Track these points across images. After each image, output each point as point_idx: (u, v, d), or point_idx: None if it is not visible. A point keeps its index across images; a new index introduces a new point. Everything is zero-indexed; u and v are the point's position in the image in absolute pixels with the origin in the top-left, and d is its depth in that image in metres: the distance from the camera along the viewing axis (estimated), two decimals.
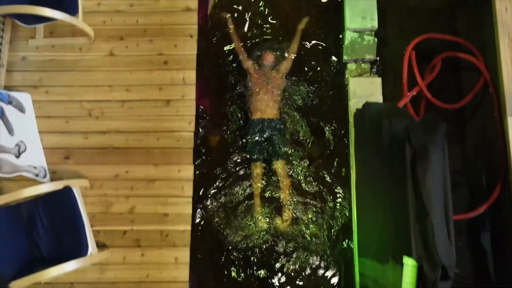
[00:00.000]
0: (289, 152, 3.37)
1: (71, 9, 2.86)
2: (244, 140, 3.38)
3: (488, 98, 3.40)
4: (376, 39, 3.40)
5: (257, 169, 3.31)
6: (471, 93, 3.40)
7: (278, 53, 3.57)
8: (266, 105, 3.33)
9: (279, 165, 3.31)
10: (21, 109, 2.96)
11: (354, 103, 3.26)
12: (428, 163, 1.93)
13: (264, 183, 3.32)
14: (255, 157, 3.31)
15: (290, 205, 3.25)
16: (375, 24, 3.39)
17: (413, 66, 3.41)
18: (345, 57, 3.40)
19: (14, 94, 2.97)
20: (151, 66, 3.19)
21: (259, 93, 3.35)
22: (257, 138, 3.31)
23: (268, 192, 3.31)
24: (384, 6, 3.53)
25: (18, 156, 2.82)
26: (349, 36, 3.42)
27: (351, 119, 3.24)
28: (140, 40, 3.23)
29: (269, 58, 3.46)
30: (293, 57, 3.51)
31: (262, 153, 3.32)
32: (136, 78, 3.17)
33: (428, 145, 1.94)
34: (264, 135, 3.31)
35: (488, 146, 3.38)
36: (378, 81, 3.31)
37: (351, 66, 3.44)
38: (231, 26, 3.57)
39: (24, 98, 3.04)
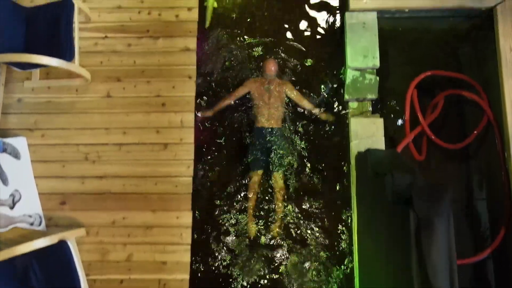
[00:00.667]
0: (288, 163, 3.33)
1: (67, 55, 2.80)
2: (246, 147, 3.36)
3: (491, 136, 3.36)
4: (377, 78, 3.34)
5: (255, 176, 3.28)
6: (474, 133, 3.35)
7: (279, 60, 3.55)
8: (268, 114, 3.31)
9: (276, 177, 3.28)
10: (16, 155, 2.90)
11: (356, 145, 3.20)
12: (434, 236, 1.88)
13: (260, 195, 3.31)
14: (254, 165, 3.27)
15: (282, 218, 3.22)
16: (376, 62, 3.33)
17: (415, 105, 3.36)
18: (346, 96, 3.34)
19: (9, 140, 2.91)
20: (149, 108, 3.13)
21: (261, 102, 3.33)
22: (258, 146, 3.28)
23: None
24: (385, 42, 3.48)
25: (12, 207, 2.77)
26: (350, 74, 3.36)
27: (353, 161, 3.18)
28: (137, 81, 3.18)
29: (271, 66, 3.40)
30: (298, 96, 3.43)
31: (261, 162, 3.28)
32: (134, 120, 3.11)
33: (434, 217, 1.88)
34: (265, 144, 3.28)
35: (491, 186, 3.32)
36: (379, 121, 3.25)
37: (353, 104, 3.38)
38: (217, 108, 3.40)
39: (20, 142, 2.98)
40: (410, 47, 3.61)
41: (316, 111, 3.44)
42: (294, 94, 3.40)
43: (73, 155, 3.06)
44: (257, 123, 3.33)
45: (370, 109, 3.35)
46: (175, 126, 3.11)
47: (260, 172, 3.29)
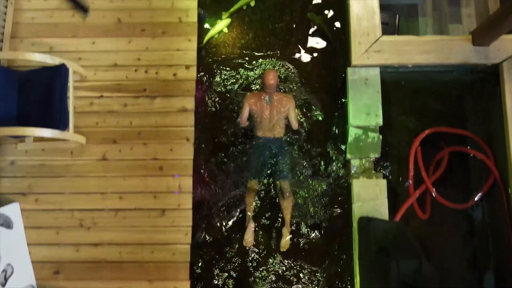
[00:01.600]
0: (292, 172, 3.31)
1: (62, 124, 2.71)
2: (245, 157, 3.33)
3: (497, 195, 3.28)
4: (381, 136, 3.25)
5: (253, 185, 3.23)
6: (480, 193, 3.27)
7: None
8: (270, 126, 3.24)
9: (283, 184, 3.24)
10: (8, 225, 2.82)
11: (358, 207, 3.12)
12: None
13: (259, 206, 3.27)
14: (253, 174, 3.23)
15: (291, 225, 3.19)
16: (379, 121, 3.24)
17: (419, 163, 3.29)
18: (348, 156, 3.26)
19: (1, 210, 2.82)
20: (146, 172, 3.05)
21: (263, 117, 3.25)
22: (258, 155, 3.23)
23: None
24: (388, 95, 3.39)
25: (4, 284, 2.68)
26: (352, 132, 3.27)
27: (355, 224, 3.10)
28: (134, 143, 3.09)
29: (270, 78, 3.23)
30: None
31: (261, 172, 3.24)
32: (130, 184, 3.03)
33: None
34: (266, 153, 3.23)
35: (498, 248, 3.24)
36: (382, 183, 3.16)
37: (355, 161, 3.30)
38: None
39: (12, 210, 2.89)
40: (414, 101, 3.53)
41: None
42: (292, 117, 3.29)
43: (67, 221, 2.98)
44: (257, 133, 3.26)
45: (373, 167, 3.28)
46: (173, 191, 3.02)
47: (257, 181, 3.25)
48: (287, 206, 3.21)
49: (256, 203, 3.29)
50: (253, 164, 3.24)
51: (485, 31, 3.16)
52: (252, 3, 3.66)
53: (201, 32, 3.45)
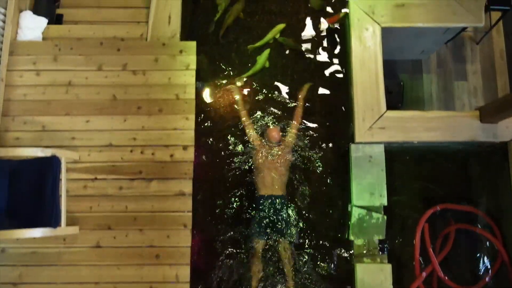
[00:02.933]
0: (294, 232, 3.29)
1: (53, 221, 2.59)
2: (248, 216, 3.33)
3: (505, 277, 3.17)
4: (385, 217, 3.14)
5: (259, 245, 3.20)
6: (487, 275, 3.16)
7: (282, 127, 3.51)
8: (272, 182, 3.24)
9: (284, 246, 3.22)
10: None
11: None
12: None
13: (264, 263, 3.23)
14: (258, 234, 3.19)
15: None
16: (384, 201, 3.13)
17: (426, 241, 3.18)
18: (351, 237, 3.15)
19: None
20: (142, 260, 2.93)
21: (265, 169, 3.26)
22: (262, 214, 3.21)
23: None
24: (392, 173, 3.28)
25: None
26: (356, 213, 3.16)
27: None
28: (129, 230, 2.97)
29: (274, 134, 3.34)
30: (296, 130, 3.43)
31: (266, 231, 3.21)
32: (125, 274, 2.91)
33: None
34: (269, 213, 3.21)
35: None
36: (387, 268, 3.05)
37: (358, 241, 3.18)
38: (238, 97, 3.52)
39: None
40: (418, 174, 3.44)
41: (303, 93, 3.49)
42: (290, 132, 3.38)
43: None
44: (259, 191, 3.25)
45: (377, 247, 3.17)
46: (170, 281, 2.90)
47: (263, 242, 3.21)
48: (287, 267, 3.18)
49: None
50: (256, 224, 3.21)
51: (494, 112, 3.05)
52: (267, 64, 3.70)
53: (200, 105, 3.36)
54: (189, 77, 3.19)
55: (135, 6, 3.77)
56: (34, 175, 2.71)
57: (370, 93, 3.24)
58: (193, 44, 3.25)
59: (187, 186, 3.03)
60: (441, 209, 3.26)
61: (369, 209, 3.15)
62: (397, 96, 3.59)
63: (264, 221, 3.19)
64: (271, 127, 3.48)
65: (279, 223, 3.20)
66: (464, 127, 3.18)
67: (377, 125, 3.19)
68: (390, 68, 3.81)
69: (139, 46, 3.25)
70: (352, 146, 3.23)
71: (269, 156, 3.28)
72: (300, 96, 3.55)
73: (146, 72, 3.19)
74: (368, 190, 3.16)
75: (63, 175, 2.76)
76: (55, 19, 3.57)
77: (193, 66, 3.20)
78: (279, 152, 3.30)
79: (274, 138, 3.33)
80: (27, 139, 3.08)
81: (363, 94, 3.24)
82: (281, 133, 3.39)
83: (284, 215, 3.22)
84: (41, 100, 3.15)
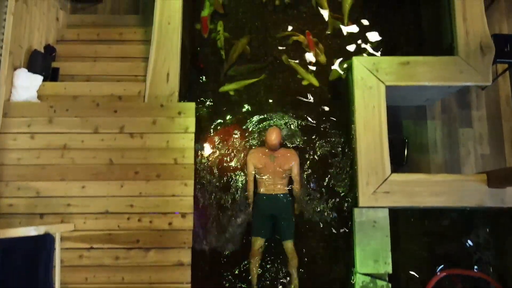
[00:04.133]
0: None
1: None
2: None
3: None
4: (390, 285, 3.05)
5: (257, 242, 3.27)
6: None
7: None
8: (273, 182, 3.31)
9: (287, 245, 3.28)
10: None
11: None
12: None
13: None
14: (258, 232, 3.28)
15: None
16: (389, 269, 3.04)
17: None
18: None
19: None
20: None
21: (266, 173, 3.32)
22: (262, 212, 3.30)
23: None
24: (397, 233, 3.20)
25: None
26: (360, 280, 3.06)
27: None
28: None
29: (273, 139, 3.32)
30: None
31: (266, 230, 3.30)
32: None
33: None
34: (270, 211, 3.30)
35: None
36: None
37: None
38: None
39: None
40: (423, 237, 3.35)
41: (297, 195, 3.42)
42: (295, 173, 3.37)
43: None
44: (260, 190, 3.33)
45: None
46: None
47: (262, 238, 3.28)
48: (292, 266, 3.27)
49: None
50: (256, 221, 3.30)
51: (503, 180, 2.96)
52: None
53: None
54: (188, 141, 3.09)
55: (132, 56, 3.74)
56: (27, 254, 2.62)
57: (374, 156, 3.15)
58: (191, 106, 3.16)
59: (186, 256, 2.94)
60: (448, 274, 3.17)
61: (374, 276, 3.06)
62: (401, 155, 3.49)
63: (264, 219, 3.27)
64: (270, 128, 3.48)
65: (279, 223, 3.28)
66: (471, 192, 3.09)
67: (381, 189, 3.10)
68: (393, 114, 3.73)
69: (137, 108, 3.16)
70: (356, 211, 3.13)
71: (270, 160, 3.33)
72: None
73: (143, 135, 3.10)
74: (372, 256, 3.06)
75: (57, 247, 2.68)
76: (51, 73, 3.51)
77: (192, 129, 3.11)
78: (281, 158, 3.34)
79: (273, 143, 3.31)
80: (21, 205, 2.99)
81: (367, 157, 3.15)
82: (281, 136, 3.39)
83: (284, 216, 3.28)
84: (35, 164, 3.06)
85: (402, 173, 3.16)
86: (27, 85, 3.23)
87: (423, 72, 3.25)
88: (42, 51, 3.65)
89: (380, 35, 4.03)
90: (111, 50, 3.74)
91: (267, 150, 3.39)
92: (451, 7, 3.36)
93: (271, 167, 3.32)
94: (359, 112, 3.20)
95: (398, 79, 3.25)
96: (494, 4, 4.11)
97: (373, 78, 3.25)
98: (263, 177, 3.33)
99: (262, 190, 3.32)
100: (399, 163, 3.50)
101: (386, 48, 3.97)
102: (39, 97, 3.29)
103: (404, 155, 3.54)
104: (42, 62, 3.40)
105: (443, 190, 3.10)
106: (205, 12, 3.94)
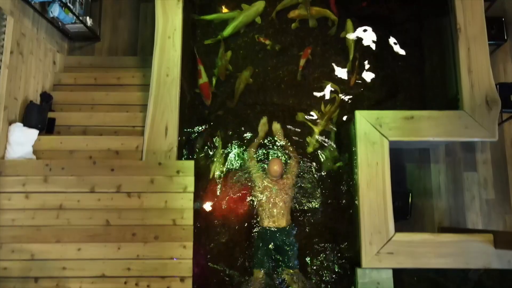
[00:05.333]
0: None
1: None
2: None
3: None
4: None
5: (259, 275, 3.23)
6: None
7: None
8: (276, 213, 3.29)
9: (291, 273, 3.26)
10: None
11: None
12: None
13: None
14: (260, 264, 3.25)
15: None
16: None
17: None
18: None
19: None
20: None
21: (268, 204, 3.32)
22: (264, 246, 3.27)
23: None
24: None
25: None
26: None
27: None
28: None
29: (276, 168, 3.33)
30: (296, 160, 3.50)
31: (269, 261, 3.27)
32: None
33: None
34: (272, 244, 3.28)
35: None
36: None
37: None
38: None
39: None
40: None
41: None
42: (293, 172, 3.43)
43: None
44: (262, 223, 3.31)
45: None
46: None
47: (262, 272, 3.24)
48: None
49: None
50: (259, 254, 3.26)
51: (509, 242, 2.88)
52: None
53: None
54: (187, 201, 3.02)
55: (130, 103, 3.67)
56: None
57: (378, 215, 3.08)
58: (190, 164, 3.08)
59: None
60: None
61: None
62: (405, 208, 3.42)
63: (268, 251, 3.25)
64: (272, 158, 3.51)
65: (282, 254, 3.25)
66: (477, 253, 3.01)
67: (385, 250, 3.03)
68: (397, 158, 3.65)
69: (134, 166, 3.08)
70: (359, 271, 3.06)
71: (272, 190, 3.32)
72: (279, 138, 3.61)
73: (141, 194, 3.03)
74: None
75: None
76: (47, 124, 3.43)
77: (191, 188, 3.04)
78: (282, 186, 3.33)
79: (276, 172, 3.32)
80: (15, 269, 2.91)
81: (370, 216, 3.08)
82: (283, 166, 3.39)
83: (287, 247, 3.25)
84: (30, 225, 2.98)
85: (407, 233, 3.08)
86: (22, 141, 3.16)
87: (428, 127, 3.18)
88: (38, 99, 3.59)
89: (381, 81, 3.94)
90: (109, 98, 3.67)
91: (268, 180, 3.38)
92: (456, 57, 3.29)
93: (272, 198, 3.31)
94: (362, 170, 3.13)
95: (402, 134, 3.18)
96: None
97: (376, 133, 3.18)
98: (265, 209, 3.30)
99: (265, 223, 3.29)
100: (403, 217, 3.42)
101: (388, 95, 3.89)
102: (34, 152, 3.21)
103: (408, 208, 3.46)
104: (38, 114, 3.33)
105: (448, 251, 3.02)
106: (202, 80, 3.77)
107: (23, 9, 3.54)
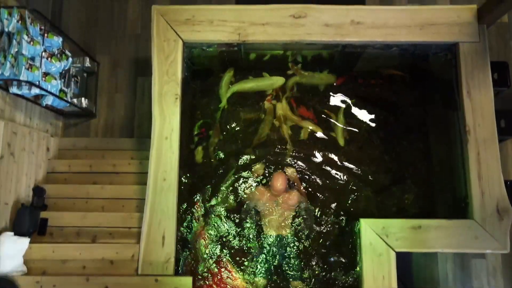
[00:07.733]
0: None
1: None
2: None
3: None
4: None
5: (261, 284, 3.27)
6: None
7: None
8: (278, 225, 3.32)
9: (295, 285, 3.26)
10: None
11: None
12: None
13: None
14: (262, 273, 3.28)
15: None
16: None
17: None
18: None
19: None
20: None
21: (271, 218, 3.35)
22: (267, 256, 3.32)
23: None
24: None
25: None
26: None
27: None
28: None
29: (279, 185, 3.29)
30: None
31: (271, 271, 3.30)
32: None
33: None
34: (275, 253, 3.31)
35: None
36: None
37: None
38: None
39: None
40: None
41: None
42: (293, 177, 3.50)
43: None
44: (266, 231, 3.35)
45: None
46: None
47: (266, 279, 3.28)
48: None
49: None
50: (261, 263, 3.29)
51: None
52: None
53: None
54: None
55: (126, 197, 3.54)
56: None
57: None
58: (188, 281, 2.94)
59: None
60: None
61: None
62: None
63: (269, 260, 3.28)
64: (275, 173, 3.45)
65: (286, 264, 3.28)
66: None
67: None
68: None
69: (130, 284, 2.94)
70: None
71: (275, 204, 3.34)
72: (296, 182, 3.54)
73: None
74: None
75: None
76: (39, 225, 3.30)
77: None
78: (285, 200, 3.34)
79: (279, 189, 3.29)
80: None
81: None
82: (286, 182, 3.36)
83: (291, 257, 3.28)
84: None
85: None
86: (13, 253, 3.02)
87: (436, 237, 3.03)
88: (31, 193, 3.47)
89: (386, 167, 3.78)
90: (104, 191, 3.54)
91: (272, 196, 3.38)
92: (465, 162, 3.15)
93: (276, 212, 3.35)
94: (367, 284, 2.99)
95: (409, 245, 3.04)
96: None
97: (382, 244, 3.04)
98: (268, 220, 3.35)
99: (268, 231, 3.34)
100: None
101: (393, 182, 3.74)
102: (25, 262, 3.07)
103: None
104: (30, 217, 3.20)
105: None
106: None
107: (14, 103, 3.42)
